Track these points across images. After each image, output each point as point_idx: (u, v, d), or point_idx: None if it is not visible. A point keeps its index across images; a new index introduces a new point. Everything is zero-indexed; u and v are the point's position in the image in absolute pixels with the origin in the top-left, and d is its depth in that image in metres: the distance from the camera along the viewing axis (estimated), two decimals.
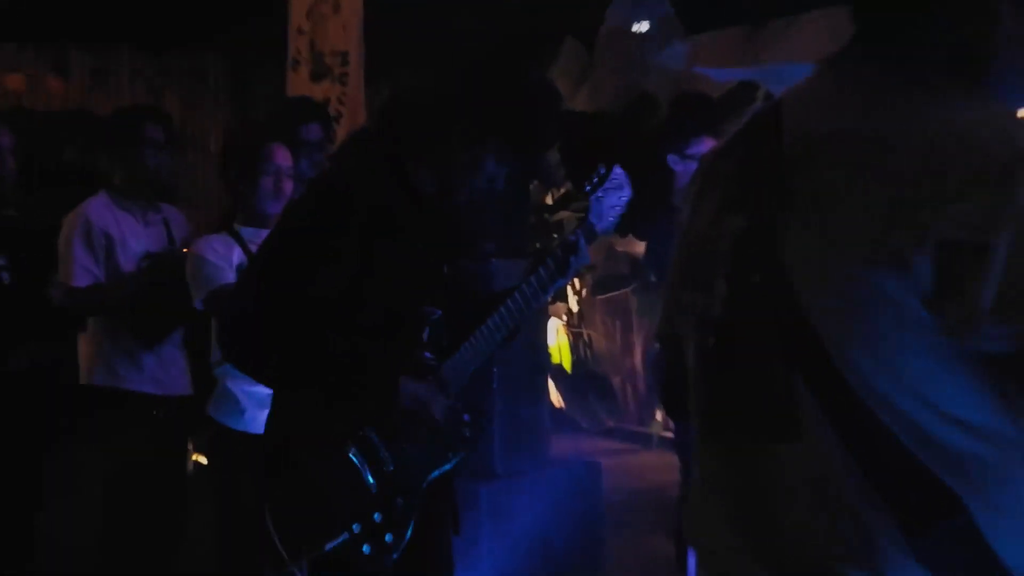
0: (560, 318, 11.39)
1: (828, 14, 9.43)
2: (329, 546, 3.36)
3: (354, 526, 3.39)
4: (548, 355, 6.15)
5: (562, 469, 5.95)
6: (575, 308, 11.64)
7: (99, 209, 5.49)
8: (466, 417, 3.65)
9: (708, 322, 1.97)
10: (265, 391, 4.42)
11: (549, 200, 11.05)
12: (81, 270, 5.36)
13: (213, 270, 4.74)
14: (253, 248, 4.84)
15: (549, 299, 3.69)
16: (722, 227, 1.95)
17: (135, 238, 5.47)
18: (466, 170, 3.49)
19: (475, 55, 12.00)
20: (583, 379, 11.09)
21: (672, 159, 6.00)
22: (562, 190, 10.89)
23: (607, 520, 6.20)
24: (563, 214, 10.86)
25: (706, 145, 5.98)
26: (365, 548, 3.41)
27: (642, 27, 8.95)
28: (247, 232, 4.95)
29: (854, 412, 1.79)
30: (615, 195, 3.84)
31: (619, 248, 10.47)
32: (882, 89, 1.88)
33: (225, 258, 4.79)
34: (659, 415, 10.68)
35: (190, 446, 5.71)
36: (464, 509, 5.36)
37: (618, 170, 3.89)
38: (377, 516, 3.44)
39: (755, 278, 1.88)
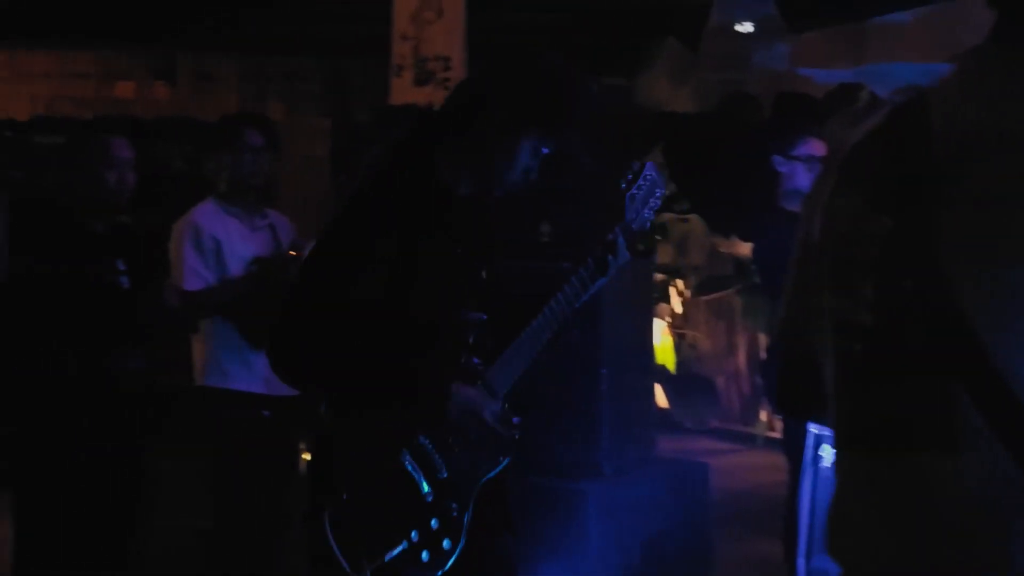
0: (664, 319, 11.37)
1: (934, 12, 9.36)
2: (389, 556, 3.40)
3: (412, 534, 3.43)
4: (654, 356, 6.15)
5: (669, 469, 5.95)
6: (679, 309, 11.61)
7: (207, 214, 5.58)
8: (515, 420, 3.66)
9: (854, 328, 1.88)
10: None
11: None
12: (192, 274, 5.46)
13: None
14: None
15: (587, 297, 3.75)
16: (867, 229, 1.84)
17: (243, 242, 5.55)
18: (500, 163, 3.51)
19: (572, 53, 12.04)
20: (687, 380, 11.06)
21: (777, 160, 5.98)
22: (664, 191, 10.87)
23: (713, 520, 6.18)
24: (666, 215, 10.84)
25: (811, 146, 5.95)
26: (424, 555, 3.44)
27: (745, 27, 8.92)
28: None
29: (1022, 424, 1.71)
30: (649, 192, 3.83)
31: (723, 249, 10.44)
32: None
33: None
34: (763, 415, 10.63)
35: (301, 445, 5.77)
36: (571, 509, 5.42)
37: (650, 166, 3.87)
38: (434, 523, 3.47)
39: (907, 283, 1.79)
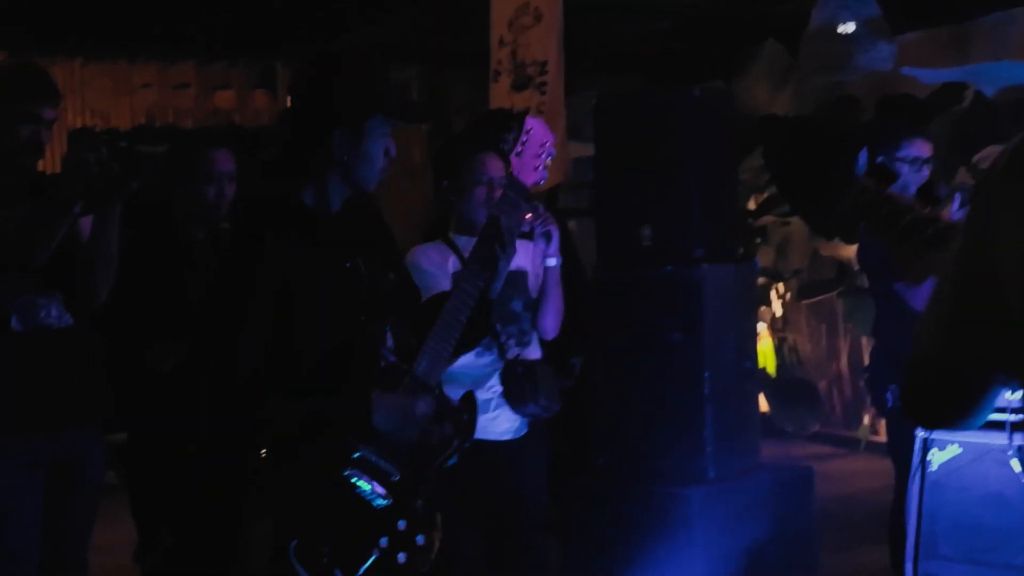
0: (765, 322, 11.30)
1: None
2: (363, 569, 3.41)
3: (381, 541, 3.45)
4: (756, 360, 6.11)
5: (773, 474, 5.91)
6: (779, 313, 11.53)
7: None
8: (456, 403, 3.67)
9: None
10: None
11: (752, 205, 10.98)
12: None
13: (429, 278, 4.82)
14: (467, 256, 4.93)
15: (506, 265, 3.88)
16: None
17: None
18: (357, 157, 3.51)
19: (671, 58, 12.03)
20: (788, 384, 10.98)
21: (882, 162, 5.92)
22: (765, 195, 10.80)
23: (818, 526, 6.13)
24: (767, 219, 10.78)
25: (917, 147, 5.89)
26: (400, 557, 3.47)
27: (848, 28, 8.83)
28: (461, 240, 5.03)
29: None
30: (533, 146, 3.84)
31: (824, 253, 10.35)
32: None
33: (440, 266, 4.88)
34: (866, 419, 10.53)
35: None
36: (677, 514, 5.40)
37: (530, 120, 3.93)
38: (401, 524, 3.49)
39: None
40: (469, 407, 3.78)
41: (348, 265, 3.56)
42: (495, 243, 3.76)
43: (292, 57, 12.75)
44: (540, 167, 3.89)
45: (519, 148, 3.88)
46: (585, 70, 11.01)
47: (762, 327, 11.19)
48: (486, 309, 3.86)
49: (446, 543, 3.63)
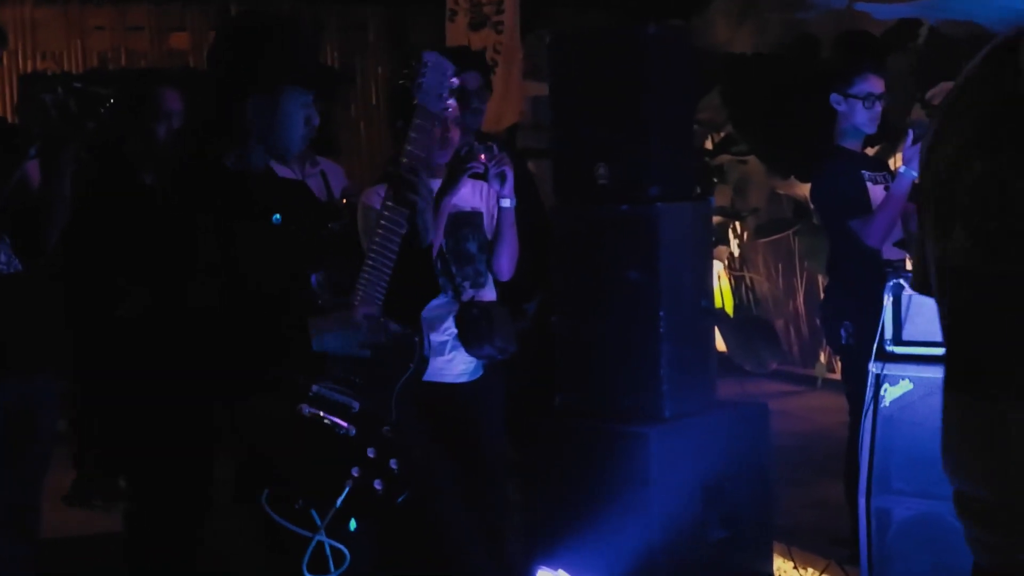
0: (722, 262, 11.33)
1: None
2: (339, 501, 3.43)
3: (352, 471, 3.46)
4: (712, 299, 6.12)
5: (730, 411, 5.92)
6: (737, 252, 11.57)
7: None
8: (393, 327, 3.69)
9: (949, 271, 1.92)
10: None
11: (710, 144, 10.97)
12: None
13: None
14: None
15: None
16: (959, 173, 1.86)
17: None
18: (280, 126, 3.58)
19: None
20: (746, 322, 11.03)
21: (835, 98, 5.94)
22: (722, 134, 10.80)
23: (775, 463, 6.17)
24: (723, 157, 10.78)
25: (870, 83, 5.90)
26: (377, 484, 3.49)
27: None
28: None
29: None
30: (436, 75, 3.85)
31: (781, 191, 10.38)
32: None
33: None
34: (823, 357, 10.60)
35: None
36: (632, 453, 5.42)
37: (430, 53, 3.92)
38: (370, 452, 3.51)
39: (991, 225, 1.81)
40: (416, 329, 3.78)
41: (276, 219, 3.57)
42: (407, 185, 3.75)
43: None
44: (444, 95, 3.89)
45: (420, 79, 3.86)
46: (543, 7, 10.96)
47: (719, 266, 11.23)
48: (423, 259, 3.85)
49: (419, 463, 3.64)
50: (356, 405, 3.53)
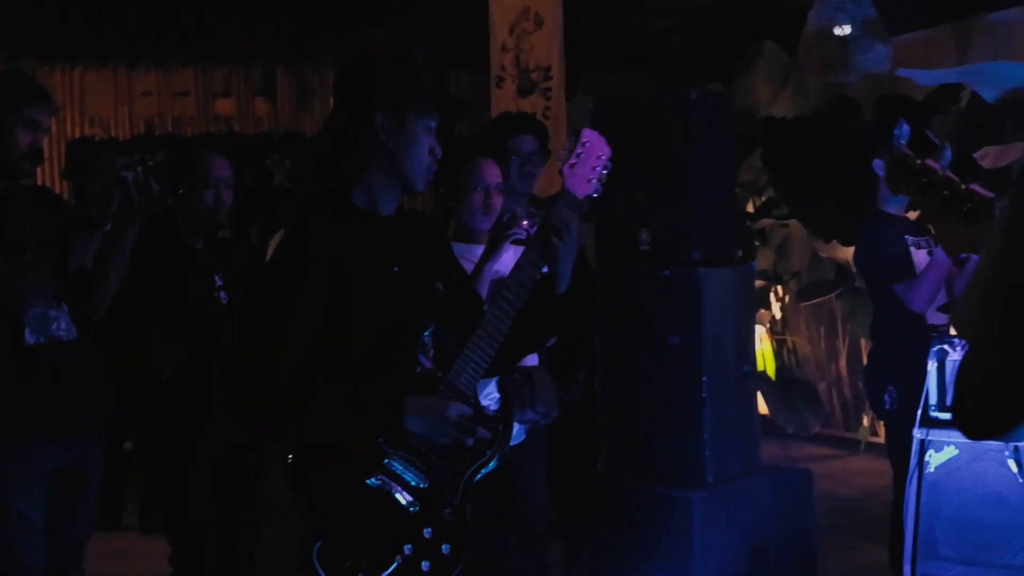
0: (763, 325, 11.31)
1: None
2: (385, 574, 3.41)
3: (405, 548, 3.44)
4: (754, 363, 6.13)
5: (773, 476, 5.91)
6: (779, 315, 11.55)
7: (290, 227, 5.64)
8: (491, 411, 3.66)
9: None
10: None
11: (751, 207, 10.99)
12: None
13: None
14: (465, 263, 4.93)
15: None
16: None
17: None
18: (408, 155, 3.51)
19: (670, 59, 12.04)
20: (788, 385, 10.99)
21: (878, 164, 5.94)
22: (764, 197, 10.82)
23: (818, 527, 6.15)
24: (765, 221, 10.79)
25: None
26: (424, 565, 3.45)
27: (845, 30, 8.84)
28: (459, 248, 5.04)
29: None
30: (590, 158, 3.79)
31: (823, 254, 10.37)
32: None
33: None
34: (866, 420, 10.55)
35: None
36: (675, 517, 5.42)
37: (587, 132, 3.81)
38: (427, 532, 3.47)
39: None
40: (505, 417, 3.75)
41: (396, 269, 3.57)
42: (551, 241, 3.71)
43: (292, 64, 12.80)
44: (594, 180, 3.80)
45: (573, 160, 3.80)
46: (586, 71, 11.03)
47: (761, 329, 11.21)
48: (550, 308, 3.81)
49: (483, 547, 3.61)
50: (426, 483, 3.53)
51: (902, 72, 8.29)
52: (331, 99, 3.78)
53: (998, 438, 2.10)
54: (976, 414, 2.21)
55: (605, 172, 3.78)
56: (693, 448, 5.50)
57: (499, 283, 3.71)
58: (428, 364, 3.57)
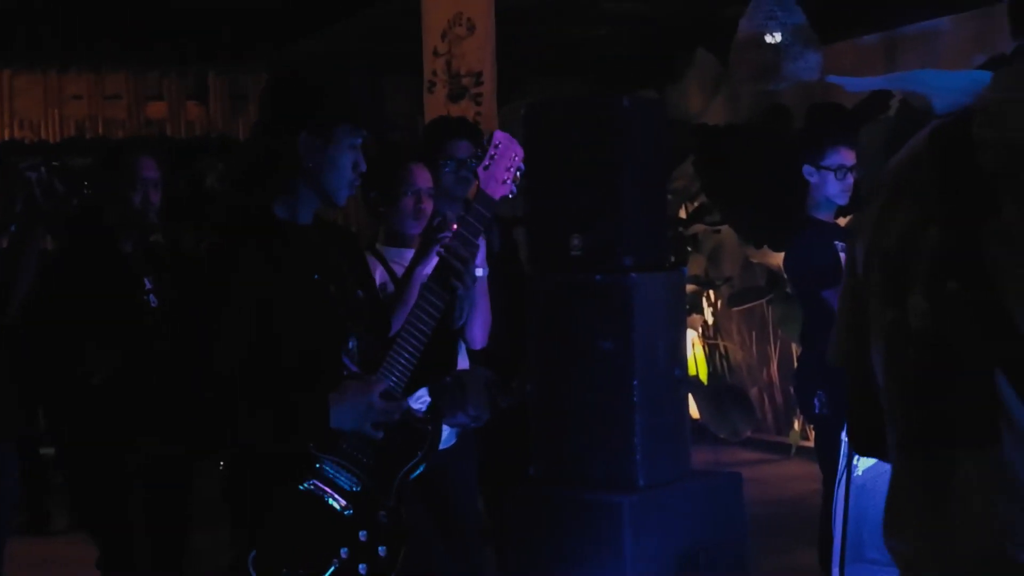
0: (696, 330, 11.37)
1: (967, 19, 9.32)
2: None
3: (341, 551, 3.45)
4: (686, 368, 6.15)
5: (704, 481, 5.94)
6: (711, 320, 11.61)
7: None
8: (419, 413, 3.68)
9: (905, 335, 2.03)
10: None
11: (684, 213, 11.05)
12: None
13: None
14: (395, 267, 4.93)
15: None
16: (917, 240, 2.00)
17: None
18: (331, 169, 3.54)
19: (604, 66, 12.08)
20: (720, 390, 11.06)
21: (807, 170, 6.00)
22: (696, 203, 10.88)
23: (749, 531, 6.18)
24: (697, 227, 10.85)
25: (842, 155, 5.96)
26: (361, 568, 3.47)
27: (776, 37, 8.91)
28: (389, 252, 5.04)
29: None
30: (503, 159, 3.85)
31: (754, 259, 10.44)
32: None
33: None
34: (797, 425, 10.63)
35: None
36: (606, 522, 5.43)
37: (499, 135, 3.90)
38: (363, 534, 3.49)
39: (952, 286, 1.93)
40: (434, 418, 3.76)
41: (316, 277, 3.57)
42: (449, 281, 3.75)
43: (225, 68, 12.74)
44: (509, 180, 3.86)
45: (487, 162, 3.85)
46: (519, 78, 11.04)
47: (694, 335, 11.27)
48: (450, 340, 3.87)
49: (418, 551, 3.62)
50: (359, 486, 3.52)
51: (832, 79, 8.35)
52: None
53: (880, 458, 2.28)
54: (854, 434, 2.40)
55: (519, 173, 3.84)
56: (624, 453, 5.51)
57: (423, 286, 3.74)
58: (355, 369, 3.58)
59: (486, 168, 3.83)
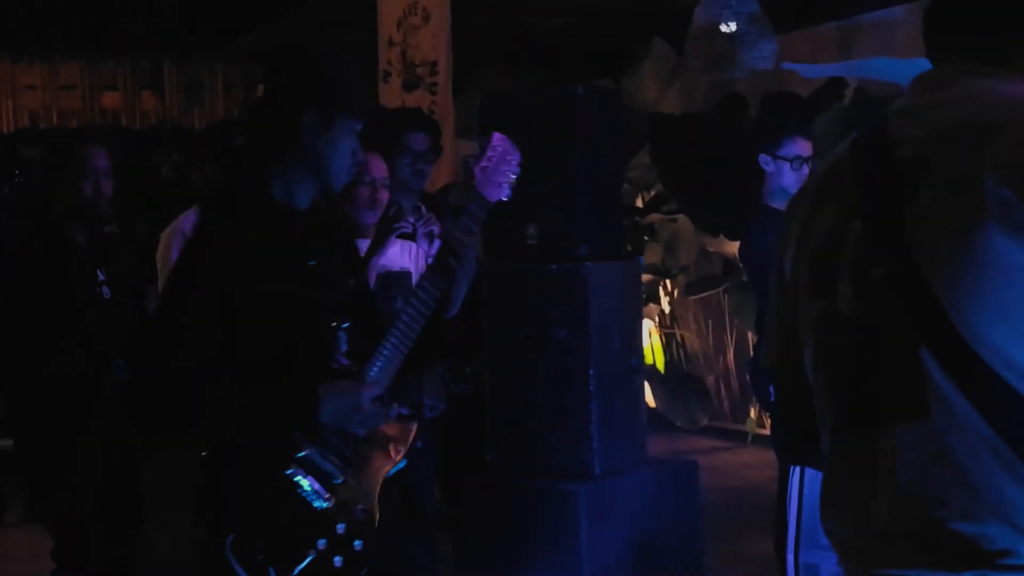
0: (652, 319, 11.40)
1: (921, 8, 9.36)
2: (298, 569, 3.41)
3: (319, 543, 3.44)
4: (642, 356, 6.17)
5: (660, 468, 5.96)
6: (667, 309, 11.64)
7: (195, 222, 5.59)
8: (403, 411, 3.69)
9: (834, 323, 2.14)
10: None
11: (640, 203, 11.07)
12: None
13: None
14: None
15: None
16: (842, 235, 2.13)
17: None
18: (330, 156, 3.53)
19: (559, 55, 12.09)
20: (677, 379, 11.09)
21: (764, 159, 6.00)
22: (653, 192, 10.90)
23: (705, 519, 6.21)
24: (654, 216, 10.87)
25: (798, 146, 5.98)
26: (336, 560, 3.46)
27: (731, 27, 8.93)
28: None
29: (984, 380, 1.95)
30: (500, 162, 3.85)
31: (711, 248, 10.47)
32: (986, 93, 2.10)
33: None
34: (753, 412, 10.67)
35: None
36: (562, 509, 5.45)
37: (497, 136, 3.88)
38: (340, 527, 3.48)
39: (877, 272, 2.05)
40: (414, 416, 3.77)
41: (311, 263, 3.57)
42: (449, 262, 3.74)
43: (179, 58, 12.69)
44: (506, 185, 3.85)
45: (485, 163, 3.83)
46: (475, 68, 11.04)
47: (651, 323, 11.30)
48: (439, 330, 3.84)
49: (389, 543, 3.62)
50: (340, 478, 3.52)
51: (787, 66, 8.39)
52: (259, 90, 3.76)
53: (809, 465, 2.36)
54: (784, 441, 2.46)
55: (515, 177, 3.83)
56: (581, 441, 5.53)
57: (417, 283, 3.74)
58: (344, 360, 3.58)
59: (483, 169, 3.81)
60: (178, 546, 3.49)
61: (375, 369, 3.58)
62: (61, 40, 11.77)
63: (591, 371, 5.51)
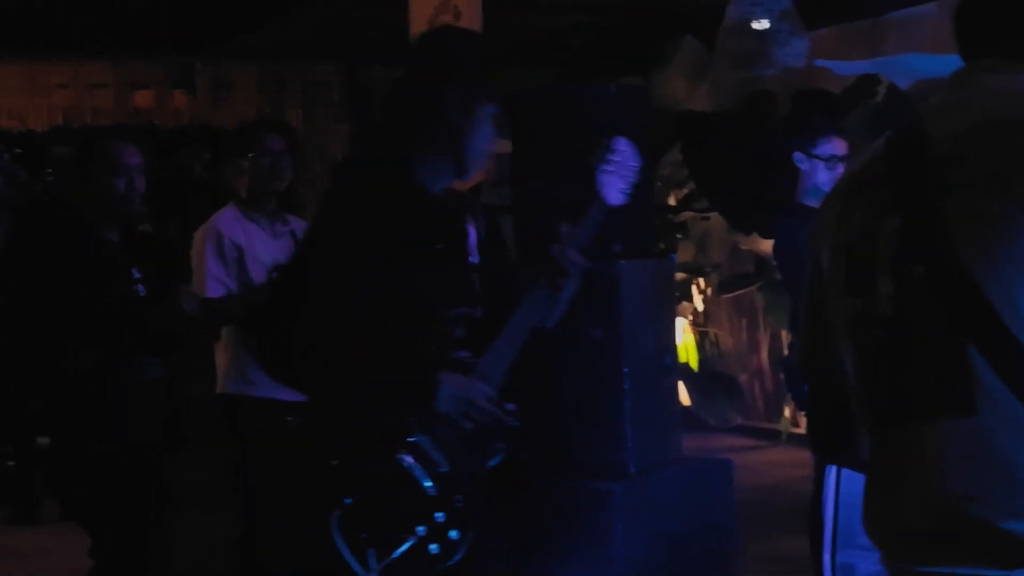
0: (686, 317, 11.37)
1: (952, 4, 9.31)
2: (397, 552, 3.45)
3: (418, 529, 3.48)
4: (676, 354, 6.15)
5: (694, 467, 5.95)
6: (700, 307, 11.61)
7: (229, 221, 5.60)
8: (509, 406, 3.69)
9: (871, 321, 2.12)
10: None
11: (673, 201, 11.04)
12: (213, 281, 5.47)
13: None
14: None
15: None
16: (878, 231, 2.12)
17: (264, 249, 5.56)
18: (470, 138, 3.55)
19: (588, 53, 12.04)
20: (710, 377, 11.06)
21: (798, 157, 5.97)
22: (685, 190, 10.87)
23: (739, 518, 6.18)
24: (687, 214, 10.84)
25: (834, 145, 5.94)
26: (432, 548, 3.50)
27: (762, 24, 8.90)
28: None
29: None
30: (623, 169, 3.83)
31: (744, 247, 10.44)
32: (1012, 89, 2.13)
33: None
34: (787, 411, 10.63)
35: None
36: (597, 508, 5.43)
37: (621, 141, 3.88)
38: (439, 516, 3.51)
39: (919, 269, 2.04)
40: (516, 415, 3.77)
41: (438, 247, 3.56)
42: (560, 272, 3.75)
43: (211, 55, 12.70)
44: (626, 190, 3.85)
45: (610, 167, 3.83)
46: (500, 66, 11.02)
47: (683, 322, 11.27)
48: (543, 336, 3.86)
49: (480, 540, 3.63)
50: (445, 466, 3.53)
51: (820, 63, 8.36)
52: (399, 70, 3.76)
53: (840, 463, 2.37)
54: (816, 438, 2.53)
55: (634, 181, 3.84)
56: (615, 440, 5.51)
57: (536, 283, 3.74)
58: (461, 352, 3.61)
59: (607, 174, 3.81)
60: (203, 545, 3.50)
61: (487, 364, 3.62)
62: (91, 39, 11.79)
63: (625, 370, 5.50)
